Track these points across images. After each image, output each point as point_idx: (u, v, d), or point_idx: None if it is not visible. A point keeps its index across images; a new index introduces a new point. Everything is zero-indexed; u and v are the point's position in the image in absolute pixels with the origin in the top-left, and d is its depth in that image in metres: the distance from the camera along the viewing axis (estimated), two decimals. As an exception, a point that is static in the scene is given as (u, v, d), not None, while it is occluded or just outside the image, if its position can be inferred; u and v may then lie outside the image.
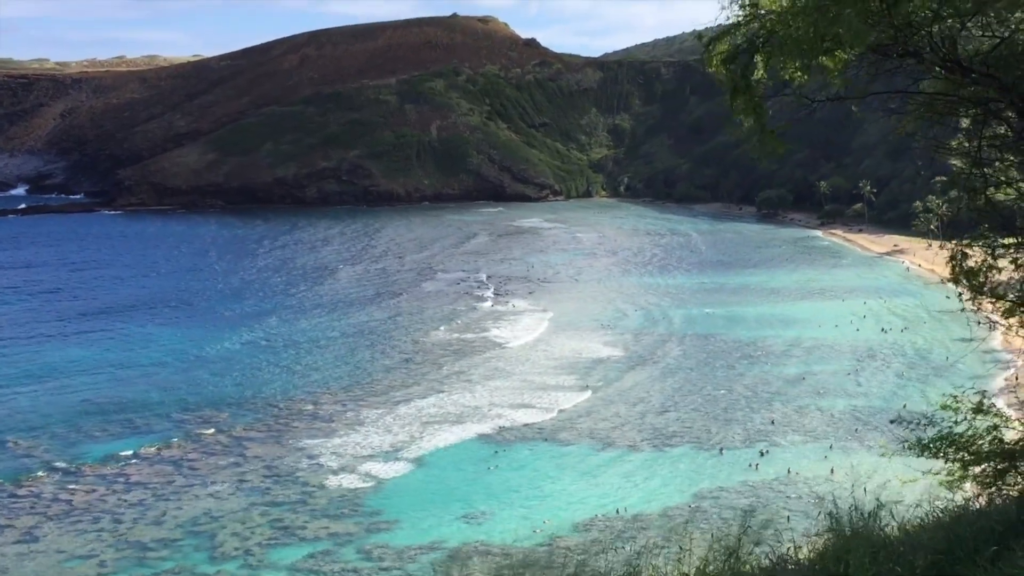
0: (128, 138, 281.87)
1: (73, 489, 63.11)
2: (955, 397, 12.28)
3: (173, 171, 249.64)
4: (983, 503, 10.84)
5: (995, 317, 12.10)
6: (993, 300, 11.46)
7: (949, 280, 11.36)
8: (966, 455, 11.69)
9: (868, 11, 8.75)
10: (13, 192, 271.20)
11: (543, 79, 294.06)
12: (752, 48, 9.47)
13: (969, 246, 11.32)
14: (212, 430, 74.53)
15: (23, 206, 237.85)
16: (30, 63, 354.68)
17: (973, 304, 11.52)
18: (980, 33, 9.03)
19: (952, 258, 11.28)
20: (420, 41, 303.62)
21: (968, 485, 11.75)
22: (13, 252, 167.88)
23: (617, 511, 58.76)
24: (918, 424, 12.81)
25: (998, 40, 8.92)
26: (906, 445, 12.42)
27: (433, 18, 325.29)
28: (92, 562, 53.02)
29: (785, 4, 9.04)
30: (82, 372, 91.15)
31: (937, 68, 9.33)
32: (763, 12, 9.21)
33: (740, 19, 9.45)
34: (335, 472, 65.66)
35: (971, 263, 11.25)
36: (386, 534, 56.50)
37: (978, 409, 12.10)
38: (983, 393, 12.77)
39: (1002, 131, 10.23)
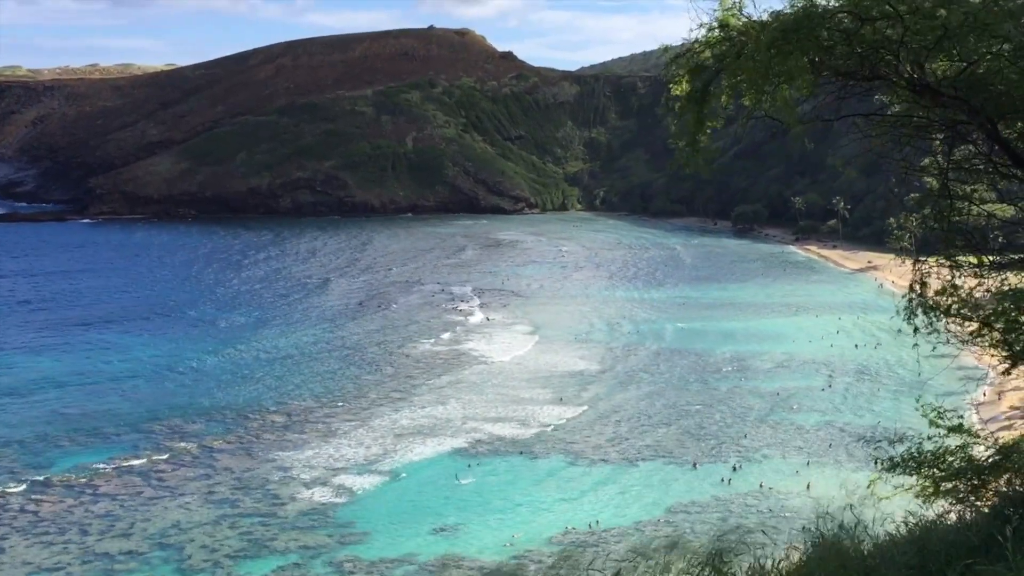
0: (101, 146, 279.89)
1: (40, 500, 62.33)
2: (938, 411, 12.38)
3: (146, 180, 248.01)
4: (955, 519, 10.91)
5: (965, 336, 12.20)
6: (960, 321, 11.55)
7: (907, 312, 11.42)
8: (937, 471, 11.78)
9: (819, 47, 8.87)
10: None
11: (519, 92, 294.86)
12: (718, 66, 9.57)
13: (941, 265, 11.40)
14: (182, 442, 73.88)
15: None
16: (2, 70, 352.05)
17: (927, 327, 11.58)
18: (947, 58, 9.14)
19: (911, 288, 11.37)
20: (396, 52, 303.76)
21: (941, 501, 11.84)
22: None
23: (590, 525, 58.73)
24: (890, 442, 12.89)
25: (965, 64, 9.02)
26: (879, 463, 12.49)
27: (410, 30, 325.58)
28: (59, 574, 52.36)
29: (752, 29, 9.13)
30: (53, 383, 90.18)
31: (905, 91, 9.44)
32: (734, 34, 9.30)
33: (710, 40, 9.55)
34: (307, 485, 65.24)
35: (936, 286, 11.34)
36: (357, 547, 56.18)
37: (952, 428, 12.19)
38: (955, 411, 12.87)
39: (971, 152, 10.35)
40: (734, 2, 9.29)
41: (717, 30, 9.41)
